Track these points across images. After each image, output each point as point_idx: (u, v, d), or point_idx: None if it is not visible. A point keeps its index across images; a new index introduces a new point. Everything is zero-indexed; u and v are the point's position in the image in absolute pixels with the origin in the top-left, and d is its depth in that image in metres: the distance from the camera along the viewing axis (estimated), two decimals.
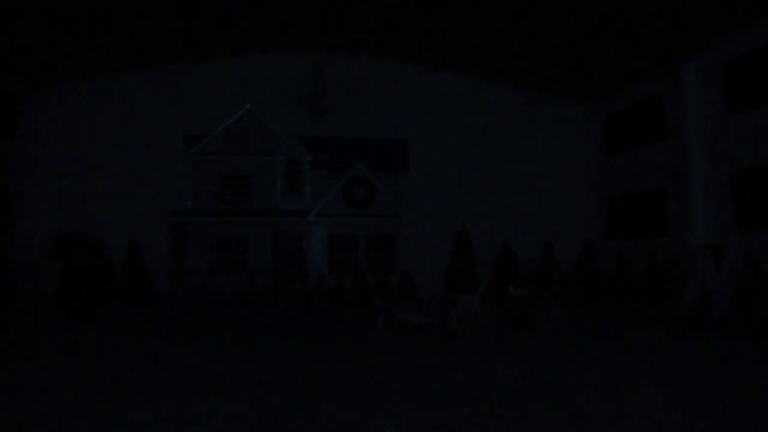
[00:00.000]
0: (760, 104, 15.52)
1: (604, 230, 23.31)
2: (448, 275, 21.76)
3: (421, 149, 23.80)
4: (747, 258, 14.15)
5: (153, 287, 21.11)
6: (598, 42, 18.74)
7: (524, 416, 6.57)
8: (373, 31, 21.53)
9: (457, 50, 21.83)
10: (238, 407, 6.89)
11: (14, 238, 20.48)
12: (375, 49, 23.30)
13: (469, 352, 10.95)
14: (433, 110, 24.16)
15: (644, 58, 19.13)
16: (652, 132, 20.27)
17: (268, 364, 9.71)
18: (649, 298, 18.26)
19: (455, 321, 13.37)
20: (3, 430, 6.00)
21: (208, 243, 21.50)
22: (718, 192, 17.05)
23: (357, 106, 23.71)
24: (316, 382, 8.27)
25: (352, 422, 6.33)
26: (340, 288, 21.05)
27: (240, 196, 21.98)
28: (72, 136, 22.18)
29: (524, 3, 17.29)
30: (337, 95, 23.58)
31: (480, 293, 14.06)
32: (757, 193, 15.66)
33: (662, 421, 6.39)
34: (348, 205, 22.07)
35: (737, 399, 7.30)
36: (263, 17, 20.32)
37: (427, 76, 24.13)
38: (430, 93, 24.20)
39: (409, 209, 22.71)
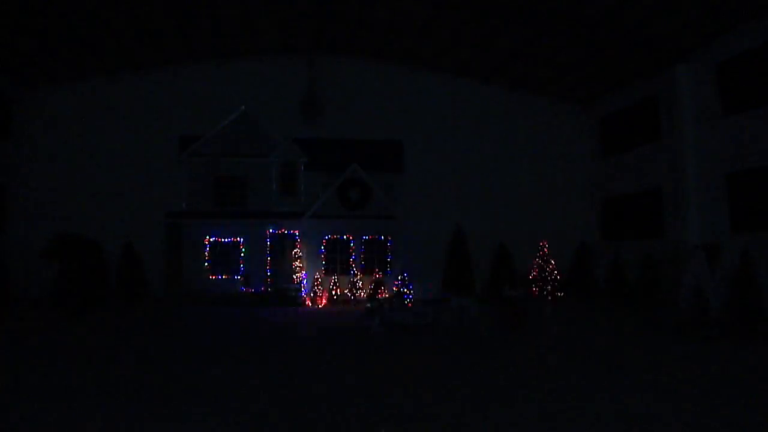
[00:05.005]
0: (755, 105, 15.55)
1: (599, 231, 23.32)
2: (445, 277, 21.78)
3: (416, 150, 23.77)
4: (741, 258, 14.16)
5: (148, 289, 21.04)
6: (594, 43, 18.75)
7: (524, 418, 6.55)
8: (369, 32, 21.52)
9: (453, 51, 21.82)
10: (234, 410, 6.86)
11: (9, 239, 20.38)
12: (370, 51, 23.29)
13: (465, 355, 10.93)
14: (428, 111, 24.13)
15: (639, 59, 19.16)
16: (648, 133, 20.29)
17: (262, 368, 9.67)
18: (644, 299, 18.26)
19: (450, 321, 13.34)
20: (3, 429, 5.97)
21: (203, 244, 21.42)
22: (712, 193, 17.08)
23: (352, 107, 23.67)
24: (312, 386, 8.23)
25: (351, 425, 6.31)
26: (335, 289, 21.01)
27: (235, 197, 21.92)
28: (67, 137, 22.06)
29: (520, 4, 17.30)
30: (332, 96, 23.54)
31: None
32: (752, 194, 15.68)
33: (660, 420, 6.38)
34: (343, 206, 22.02)
35: (732, 398, 7.29)
36: (259, 19, 20.29)
37: (422, 77, 24.11)
38: (426, 94, 24.17)
39: (404, 210, 22.69)
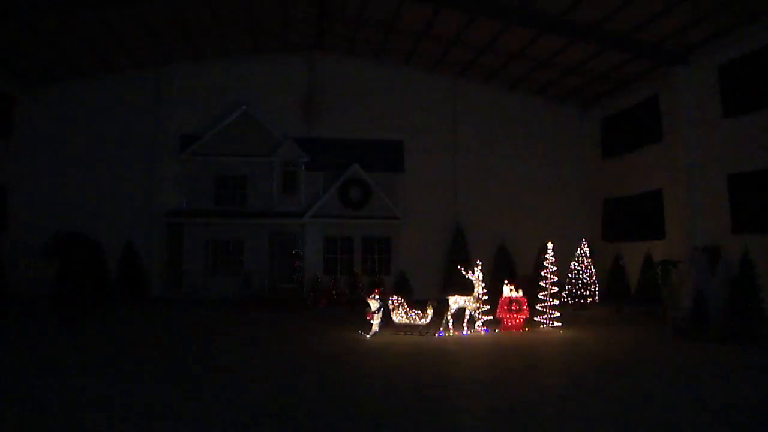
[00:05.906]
0: (756, 107, 15.52)
1: (600, 232, 23.28)
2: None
3: (417, 150, 23.73)
4: (742, 261, 14.14)
5: (148, 288, 21.01)
6: (594, 45, 18.71)
7: (525, 420, 6.55)
8: (369, 32, 21.49)
9: (454, 52, 21.79)
10: (233, 413, 6.84)
11: (9, 238, 20.34)
12: (370, 51, 23.26)
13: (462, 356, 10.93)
14: (429, 112, 24.10)
15: (640, 61, 19.12)
16: (648, 135, 20.27)
17: (263, 372, 9.67)
18: (644, 301, 18.23)
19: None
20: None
21: (204, 244, 21.41)
22: (713, 195, 17.03)
23: (353, 107, 23.62)
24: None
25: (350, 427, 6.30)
26: (335, 289, 20.96)
27: (236, 197, 21.92)
28: (67, 136, 22.00)
29: (521, 5, 17.27)
30: (332, 96, 23.50)
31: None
32: (753, 196, 15.65)
33: (659, 422, 6.37)
34: (343, 206, 22.02)
35: (732, 401, 7.28)
36: (260, 18, 20.26)
37: (423, 77, 24.08)
38: (427, 94, 24.14)
39: (404, 210, 22.66)
